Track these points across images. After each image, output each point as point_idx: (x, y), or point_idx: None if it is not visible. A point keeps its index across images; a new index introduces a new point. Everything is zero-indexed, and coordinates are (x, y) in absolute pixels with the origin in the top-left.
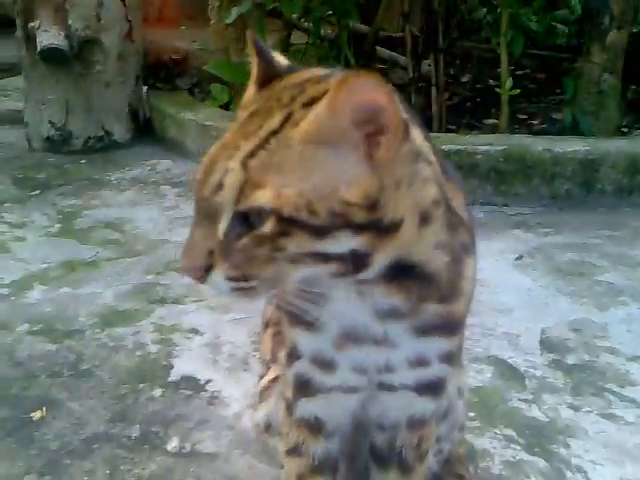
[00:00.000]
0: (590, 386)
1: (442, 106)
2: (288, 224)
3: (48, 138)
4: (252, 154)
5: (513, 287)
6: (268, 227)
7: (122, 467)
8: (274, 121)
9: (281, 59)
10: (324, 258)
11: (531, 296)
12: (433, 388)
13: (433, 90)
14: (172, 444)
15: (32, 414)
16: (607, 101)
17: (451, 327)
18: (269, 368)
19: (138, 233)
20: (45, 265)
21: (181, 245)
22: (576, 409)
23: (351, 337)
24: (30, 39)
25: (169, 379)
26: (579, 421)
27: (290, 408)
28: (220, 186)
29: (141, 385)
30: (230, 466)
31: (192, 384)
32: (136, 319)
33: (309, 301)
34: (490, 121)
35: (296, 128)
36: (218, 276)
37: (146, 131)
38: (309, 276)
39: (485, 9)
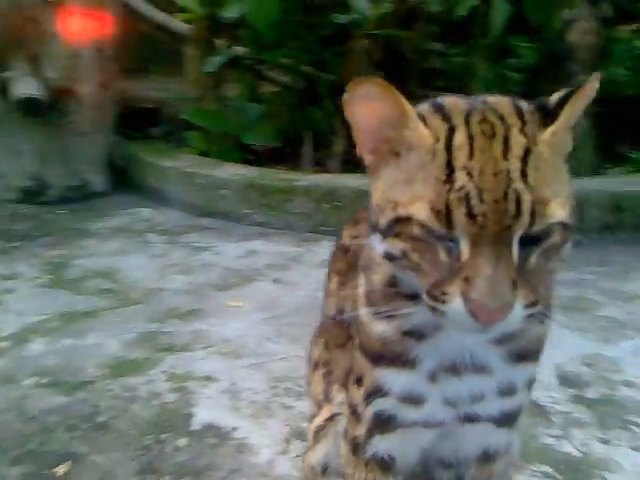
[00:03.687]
0: (615, 419)
1: None
2: (567, 230)
3: (23, 189)
4: (524, 175)
5: None
6: (558, 237)
7: None
8: (519, 140)
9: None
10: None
11: None
12: (512, 418)
13: None
14: None
15: (55, 469)
16: (582, 143)
17: (539, 350)
18: (321, 408)
19: (132, 282)
20: (42, 317)
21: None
22: (606, 443)
23: (450, 367)
24: (4, 89)
25: (192, 428)
26: (611, 455)
27: (357, 447)
28: (518, 212)
29: (164, 435)
30: None
31: (216, 432)
32: (146, 368)
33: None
34: None
35: (540, 144)
36: (520, 306)
37: (123, 180)
38: None
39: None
